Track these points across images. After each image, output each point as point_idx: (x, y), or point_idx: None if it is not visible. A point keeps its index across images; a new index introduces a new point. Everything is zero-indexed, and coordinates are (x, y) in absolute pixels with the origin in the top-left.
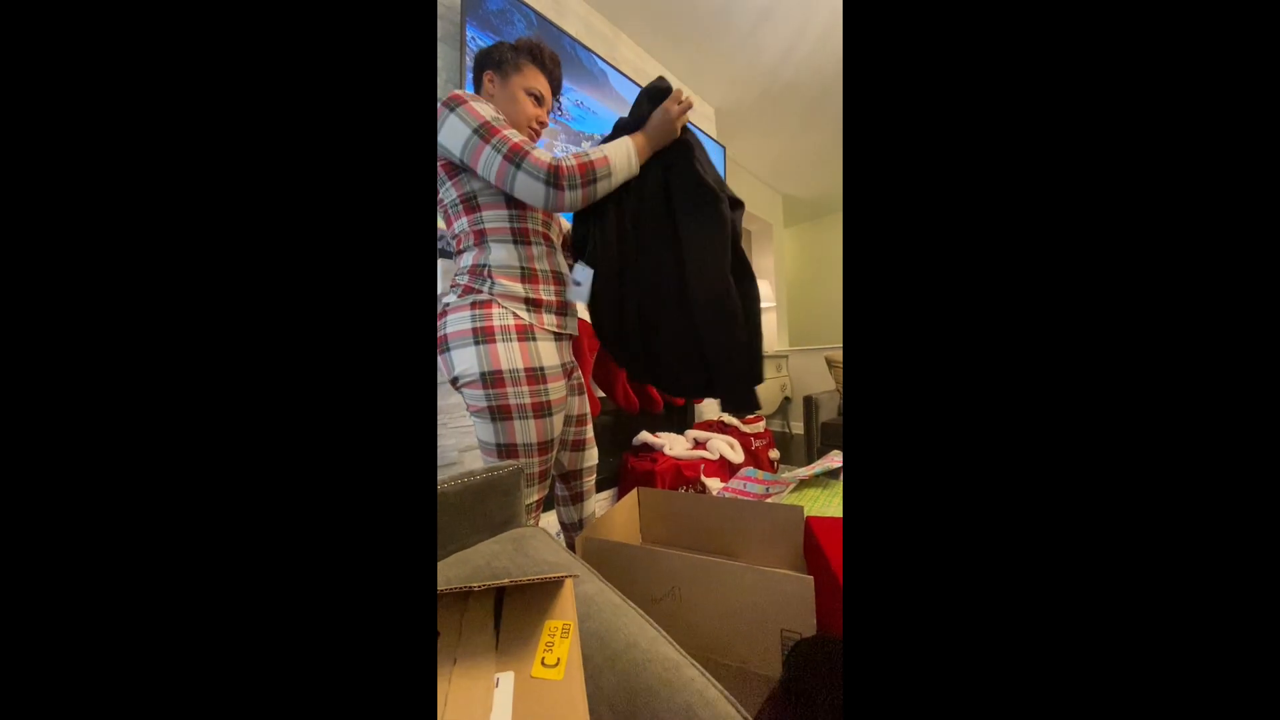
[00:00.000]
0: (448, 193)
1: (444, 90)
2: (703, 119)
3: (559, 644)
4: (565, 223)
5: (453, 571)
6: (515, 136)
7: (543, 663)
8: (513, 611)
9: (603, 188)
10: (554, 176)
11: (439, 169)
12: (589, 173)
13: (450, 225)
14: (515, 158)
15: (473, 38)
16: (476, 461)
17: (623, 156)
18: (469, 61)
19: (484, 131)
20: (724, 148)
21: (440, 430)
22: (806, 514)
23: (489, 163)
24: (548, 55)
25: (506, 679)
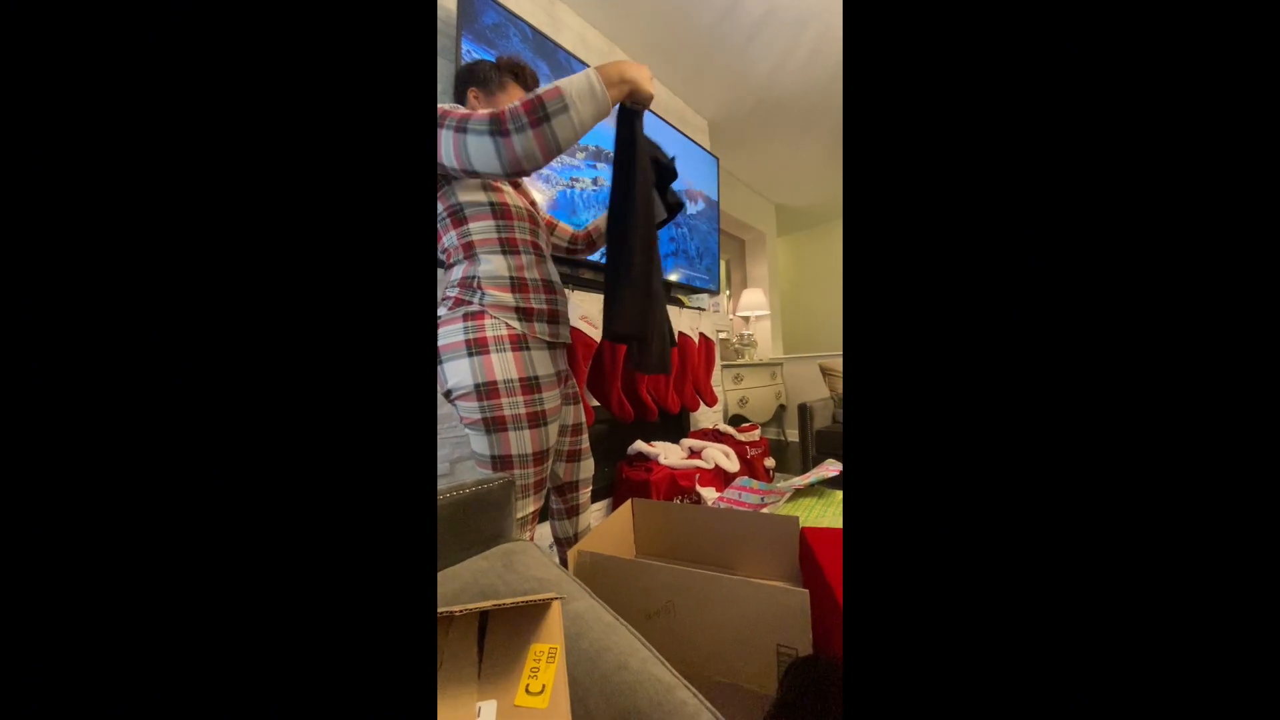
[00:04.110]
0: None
1: (438, 102)
2: (697, 131)
3: (544, 670)
4: (566, 227)
5: (439, 589)
6: (466, 111)
7: (527, 690)
8: (497, 635)
9: (562, 124)
10: (497, 123)
11: None
12: (536, 109)
13: (440, 239)
14: (462, 124)
15: (468, 51)
16: (469, 473)
17: (581, 83)
18: None
19: (441, 119)
20: (717, 159)
21: None
22: (802, 524)
23: (447, 145)
24: (529, 74)
25: (489, 708)
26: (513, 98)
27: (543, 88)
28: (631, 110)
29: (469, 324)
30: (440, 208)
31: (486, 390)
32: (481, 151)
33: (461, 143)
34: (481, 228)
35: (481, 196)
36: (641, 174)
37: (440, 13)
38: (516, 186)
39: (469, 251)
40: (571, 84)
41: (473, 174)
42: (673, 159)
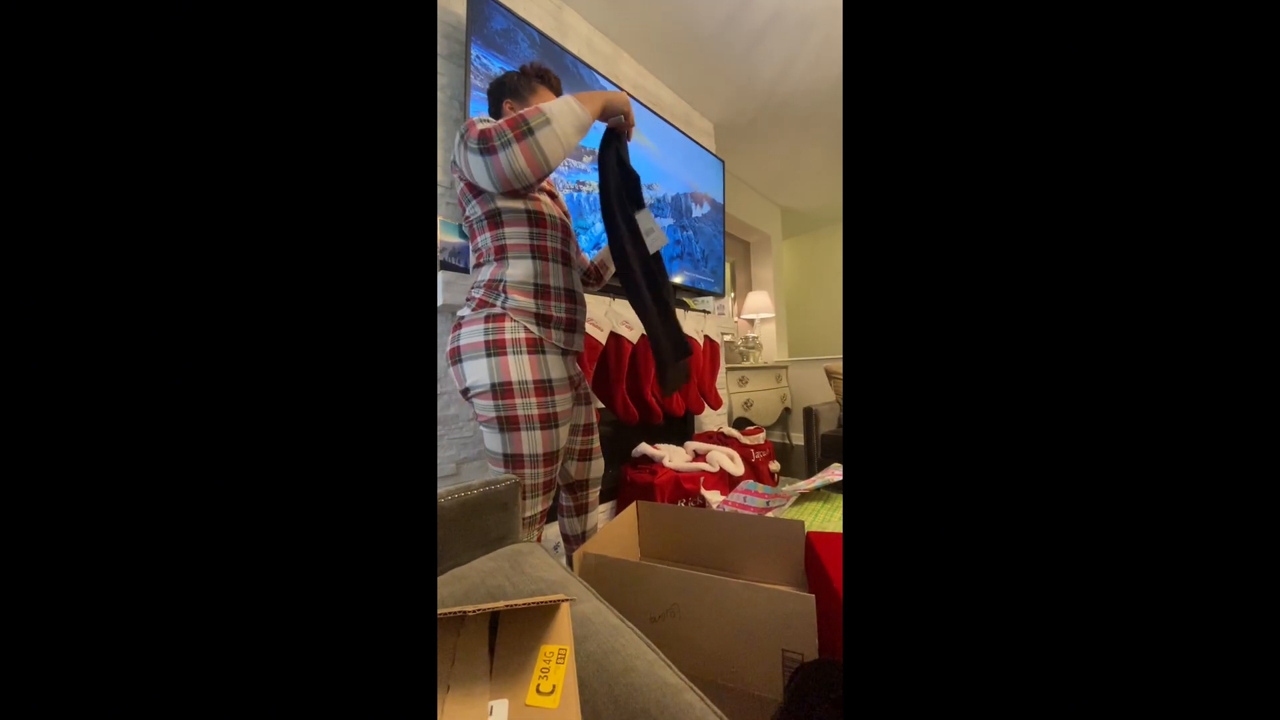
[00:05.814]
0: (473, 209)
1: (447, 107)
2: (702, 134)
3: (554, 670)
4: (585, 258)
5: (447, 589)
6: (482, 125)
7: (537, 690)
8: (508, 635)
9: (547, 137)
10: (484, 141)
11: (463, 190)
12: (519, 123)
13: (475, 239)
14: (465, 141)
15: (477, 56)
16: (476, 474)
17: (562, 104)
18: (474, 81)
19: (463, 134)
20: (723, 161)
21: (438, 441)
22: (807, 528)
23: (460, 159)
24: (553, 78)
25: (500, 707)
26: (544, 101)
27: (525, 109)
28: (612, 132)
29: (490, 325)
30: (479, 211)
31: (502, 390)
32: (477, 169)
33: (466, 158)
34: (516, 233)
35: (519, 204)
36: (616, 193)
37: (450, 18)
38: (554, 198)
39: (500, 254)
40: (551, 105)
41: (529, 212)
42: (637, 179)
